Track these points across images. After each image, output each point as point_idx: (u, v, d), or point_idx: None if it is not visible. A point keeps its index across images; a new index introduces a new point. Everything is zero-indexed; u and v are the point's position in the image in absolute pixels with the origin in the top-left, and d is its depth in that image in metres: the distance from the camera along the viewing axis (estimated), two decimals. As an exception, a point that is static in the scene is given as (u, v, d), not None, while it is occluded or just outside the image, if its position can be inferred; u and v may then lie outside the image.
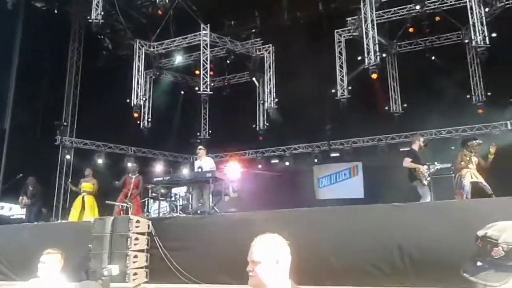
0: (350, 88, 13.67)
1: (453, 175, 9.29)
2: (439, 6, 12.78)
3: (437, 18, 13.20)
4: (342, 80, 13.77)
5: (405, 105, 14.51)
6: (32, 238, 7.24)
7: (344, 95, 13.62)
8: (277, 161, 15.78)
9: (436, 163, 8.18)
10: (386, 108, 14.53)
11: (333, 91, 13.89)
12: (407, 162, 8.09)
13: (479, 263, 1.53)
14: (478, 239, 1.58)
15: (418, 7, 12.49)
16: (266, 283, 2.12)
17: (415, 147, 8.40)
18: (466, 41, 13.37)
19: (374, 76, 12.21)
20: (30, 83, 14.70)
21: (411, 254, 5.34)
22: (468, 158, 7.79)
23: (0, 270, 7.13)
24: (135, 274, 6.24)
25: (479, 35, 11.14)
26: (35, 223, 10.08)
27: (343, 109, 13.60)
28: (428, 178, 7.99)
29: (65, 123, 15.52)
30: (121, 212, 9.26)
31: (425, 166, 8.03)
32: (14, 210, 12.74)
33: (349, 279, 5.36)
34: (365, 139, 14.76)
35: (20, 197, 10.80)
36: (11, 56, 14.44)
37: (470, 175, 7.77)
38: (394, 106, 14.59)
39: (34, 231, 7.86)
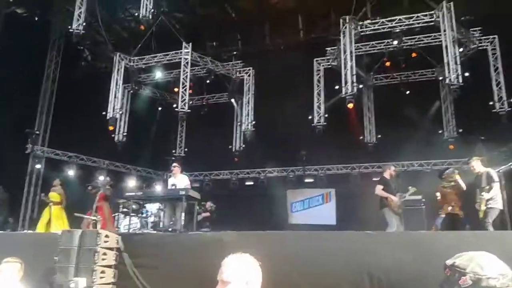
0: (326, 115, 13.89)
1: (424, 207, 9.56)
2: (416, 43, 13.28)
3: (413, 55, 13.72)
4: (319, 107, 14.01)
5: (379, 136, 14.82)
6: (-5, 247, 6.97)
7: (320, 122, 13.84)
8: (251, 183, 15.78)
9: (409, 189, 8.34)
10: (361, 137, 14.80)
11: (310, 117, 14.07)
12: (379, 190, 8.26)
13: None
14: (447, 268, 1.62)
15: (395, 42, 12.88)
16: None
17: (386, 175, 8.59)
18: (440, 78, 13.85)
19: (350, 105, 12.46)
20: (3, 88, 14.37)
21: (381, 281, 5.39)
22: (447, 189, 8.03)
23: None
24: (101, 289, 6.07)
25: (453, 74, 11.55)
26: (0, 232, 9.74)
27: (318, 136, 13.79)
28: (399, 208, 8.13)
29: (37, 132, 15.14)
30: (89, 225, 9.02)
31: (397, 196, 8.18)
32: (-22, 219, 12.27)
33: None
34: (339, 166, 14.98)
35: (-15, 206, 10.43)
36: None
37: (448, 207, 8.00)
38: (369, 136, 14.88)
39: (-2, 241, 7.59)
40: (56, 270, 6.18)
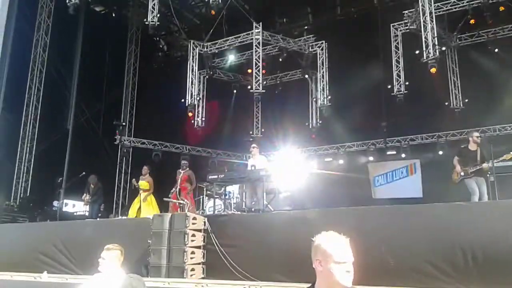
0: (407, 83, 13.21)
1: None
2: (503, -5, 12.08)
3: (501, 8, 12.47)
4: (398, 75, 13.33)
5: (466, 100, 13.81)
6: (94, 233, 7.54)
7: (401, 91, 13.16)
8: (330, 159, 15.54)
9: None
10: (446, 103, 13.91)
11: (389, 86, 13.46)
12: (454, 160, 8.28)
13: None
14: None
15: (479, -4, 11.84)
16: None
17: (469, 145, 8.28)
18: (534, 30, 12.54)
19: (433, 70, 11.71)
20: (90, 85, 15.42)
21: (476, 254, 5.08)
22: None
23: (66, 264, 7.45)
24: (192, 269, 6.35)
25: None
26: (98, 219, 10.50)
27: (399, 105, 13.15)
28: (459, 178, 8.02)
29: (124, 123, 16.09)
30: (178, 209, 9.43)
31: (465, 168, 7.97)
32: (77, 207, 13.39)
33: (408, 280, 5.17)
34: (424, 136, 14.23)
35: (84, 195, 11.27)
36: (73, 60, 15.17)
37: None
38: (455, 101, 13.91)
39: (97, 227, 8.21)
40: (150, 252, 6.57)
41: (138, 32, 17.75)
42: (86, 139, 14.85)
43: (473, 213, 5.62)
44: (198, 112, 15.65)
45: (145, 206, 10.69)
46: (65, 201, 13.18)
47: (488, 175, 7.86)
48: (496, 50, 13.35)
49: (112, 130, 15.08)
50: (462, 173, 7.94)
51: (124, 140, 15.71)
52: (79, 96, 15.03)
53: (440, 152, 13.52)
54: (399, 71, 13.37)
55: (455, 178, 8.11)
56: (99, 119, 15.78)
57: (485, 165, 7.79)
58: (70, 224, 9.40)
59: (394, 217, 6.03)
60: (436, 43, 11.84)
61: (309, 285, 2.32)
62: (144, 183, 10.95)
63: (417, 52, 12.63)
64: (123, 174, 16.32)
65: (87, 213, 11.53)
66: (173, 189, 10.32)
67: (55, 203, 13.09)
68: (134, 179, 11.68)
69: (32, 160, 14.36)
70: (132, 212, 10.78)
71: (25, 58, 14.64)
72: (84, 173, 11.54)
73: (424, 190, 13.23)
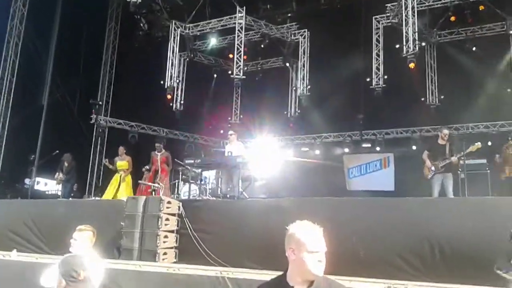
0: (386, 77, 13.32)
1: (488, 171, 9.17)
2: (484, -6, 12.27)
3: (481, 7, 12.72)
4: (378, 68, 13.42)
5: (442, 96, 14.10)
6: (66, 213, 7.44)
7: (379, 84, 13.26)
8: (307, 149, 15.63)
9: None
10: (422, 99, 14.14)
11: (368, 79, 13.56)
12: (424, 155, 8.45)
13: None
14: None
15: (461, -6, 12.00)
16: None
17: (438, 139, 8.46)
18: (511, 32, 12.80)
19: (412, 65, 11.85)
20: (68, 62, 15.02)
21: (443, 249, 5.25)
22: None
23: (35, 243, 7.35)
24: (164, 253, 6.36)
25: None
26: (70, 199, 10.35)
27: (377, 98, 13.27)
28: (431, 173, 8.13)
29: (100, 102, 15.77)
30: (152, 192, 9.36)
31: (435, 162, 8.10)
32: (50, 185, 13.14)
33: (377, 271, 5.30)
34: (399, 130, 14.46)
35: (56, 173, 11.04)
36: (51, 34, 14.76)
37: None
38: (431, 98, 14.17)
39: (69, 207, 8.09)
40: (123, 235, 6.53)
41: (118, 9, 17.35)
42: (61, 116, 14.53)
43: (442, 208, 5.78)
44: (177, 95, 15.49)
45: (124, 186, 10.59)
46: (37, 179, 12.94)
47: (459, 171, 8.06)
48: (474, 48, 13.60)
49: (88, 109, 14.75)
50: (433, 168, 8.09)
51: (100, 120, 15.44)
52: (55, 71, 14.66)
53: (414, 147, 13.77)
54: (379, 64, 13.45)
55: (426, 174, 8.27)
56: (75, 96, 15.42)
57: (453, 158, 7.96)
58: (42, 203, 9.26)
59: (367, 210, 6.15)
60: (417, 38, 11.96)
61: (281, 273, 2.33)
62: (123, 163, 10.83)
63: (397, 46, 12.72)
64: (97, 154, 16.05)
65: (59, 193, 11.32)
66: (147, 167, 10.27)
67: (27, 180, 12.84)
68: (106, 159, 11.54)
69: (4, 136, 14.01)
70: (109, 193, 10.61)
71: (1, 29, 14.19)
72: (57, 151, 11.29)
73: (396, 184, 13.48)
